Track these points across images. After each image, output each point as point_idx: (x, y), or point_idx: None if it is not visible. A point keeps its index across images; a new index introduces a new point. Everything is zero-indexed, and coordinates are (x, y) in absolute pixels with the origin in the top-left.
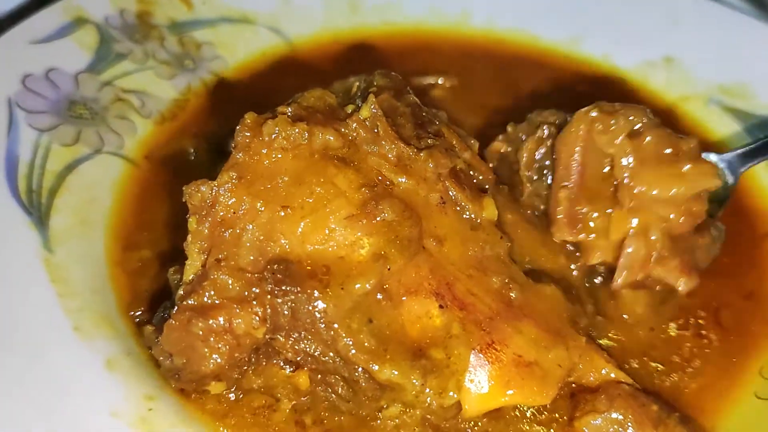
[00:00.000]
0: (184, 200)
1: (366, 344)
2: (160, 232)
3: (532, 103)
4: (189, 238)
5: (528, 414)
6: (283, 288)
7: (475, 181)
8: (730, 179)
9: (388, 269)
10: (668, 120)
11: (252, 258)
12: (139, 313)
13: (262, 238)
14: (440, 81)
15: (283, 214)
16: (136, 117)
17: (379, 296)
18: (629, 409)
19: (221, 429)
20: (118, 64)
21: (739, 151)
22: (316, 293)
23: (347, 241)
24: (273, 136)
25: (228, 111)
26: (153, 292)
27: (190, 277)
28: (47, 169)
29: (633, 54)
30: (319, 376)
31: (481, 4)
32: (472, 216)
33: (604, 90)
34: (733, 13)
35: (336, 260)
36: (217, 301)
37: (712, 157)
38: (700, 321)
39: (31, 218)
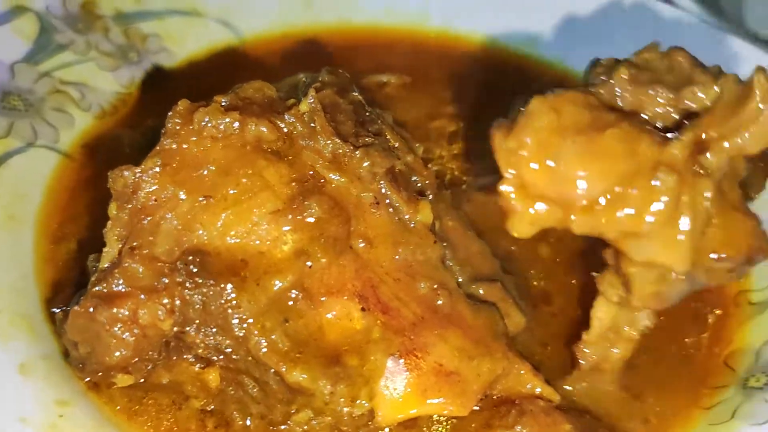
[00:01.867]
0: (108, 186)
1: (279, 345)
2: (89, 225)
3: (486, 102)
4: (108, 224)
5: (445, 424)
6: (195, 280)
7: (419, 185)
8: None
9: (309, 267)
10: None
11: (168, 247)
12: (60, 310)
13: (180, 227)
14: (393, 79)
15: (204, 203)
16: (75, 110)
17: (298, 295)
18: (535, 427)
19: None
20: (59, 54)
21: None
22: (230, 287)
23: (270, 236)
24: (203, 124)
25: (171, 105)
26: (78, 284)
27: (106, 265)
28: None
29: (588, 57)
30: (231, 375)
31: (438, 4)
32: (406, 218)
33: None
34: (690, 18)
35: (256, 255)
36: (124, 290)
37: None
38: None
39: None
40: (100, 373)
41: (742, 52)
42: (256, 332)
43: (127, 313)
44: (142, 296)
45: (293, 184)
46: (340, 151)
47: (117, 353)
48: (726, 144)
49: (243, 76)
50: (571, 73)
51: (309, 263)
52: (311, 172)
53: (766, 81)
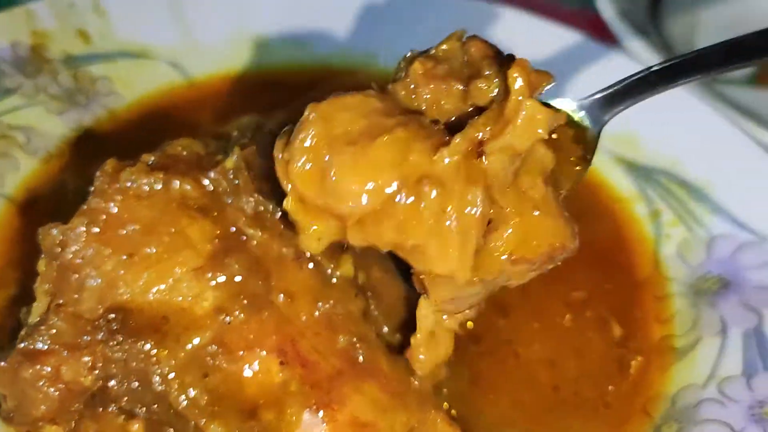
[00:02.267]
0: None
1: (198, 399)
2: (29, 271)
3: None
4: (38, 279)
5: None
6: (116, 337)
7: None
8: (593, 131)
9: (228, 323)
10: None
11: (91, 305)
12: None
13: (104, 285)
14: None
15: (128, 261)
16: (20, 154)
17: (218, 350)
18: None
19: None
20: (6, 98)
21: (599, 95)
22: (151, 344)
23: (191, 293)
24: (129, 183)
25: (118, 149)
26: (14, 332)
27: (36, 320)
28: None
29: None
30: (154, 426)
31: (387, 47)
32: (328, 273)
33: None
34: (629, 63)
35: (177, 311)
36: (48, 347)
37: (566, 103)
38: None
39: None
40: (28, 425)
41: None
42: (176, 387)
43: (50, 369)
44: (65, 353)
45: (216, 240)
46: (262, 208)
47: (42, 407)
48: (498, 144)
49: (191, 117)
50: None
51: (228, 319)
52: (234, 229)
53: (524, 73)
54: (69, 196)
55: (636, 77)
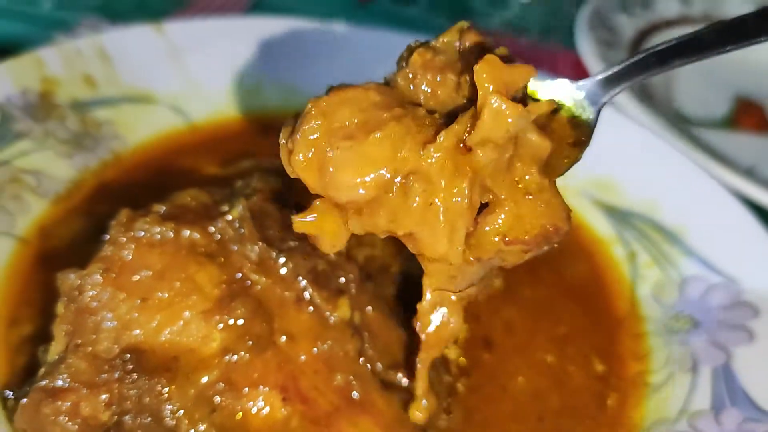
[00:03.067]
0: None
1: None
2: (43, 309)
3: None
4: (56, 320)
5: None
6: (132, 376)
7: (342, 280)
8: (591, 113)
9: (235, 362)
10: None
11: (108, 345)
12: (11, 394)
13: (119, 327)
14: None
15: (141, 305)
16: (31, 196)
17: (224, 388)
18: None
19: None
20: (17, 143)
21: (599, 76)
22: (162, 382)
23: (200, 335)
24: (142, 233)
25: (121, 192)
26: (29, 369)
27: (54, 358)
28: None
29: None
30: None
31: None
32: (326, 314)
33: None
34: (607, 110)
35: (186, 351)
36: (68, 385)
37: (565, 85)
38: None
39: None
40: None
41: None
42: (186, 422)
43: (69, 405)
44: (84, 390)
45: (222, 285)
46: (266, 255)
47: None
48: (475, 138)
49: (192, 160)
50: None
51: (234, 358)
52: (239, 274)
53: (488, 69)
54: (79, 236)
55: (633, 60)
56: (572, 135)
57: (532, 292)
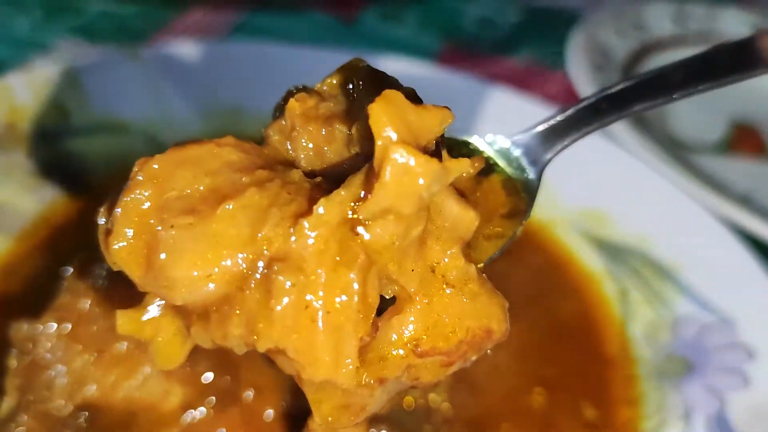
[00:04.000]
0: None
1: None
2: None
3: None
4: (9, 374)
5: None
6: None
7: None
8: (531, 173)
9: (197, 420)
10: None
11: (61, 402)
12: None
13: (73, 382)
14: None
15: (98, 359)
16: None
17: None
18: None
19: None
20: None
21: (539, 128)
22: None
23: (160, 389)
24: (100, 281)
25: (92, 226)
26: None
27: (4, 415)
28: None
29: None
30: None
31: None
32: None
33: None
34: (600, 141)
35: (145, 408)
36: None
37: (498, 140)
38: None
39: None
40: None
41: None
42: None
43: None
44: None
45: None
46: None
47: None
48: (370, 208)
49: None
50: None
51: (197, 415)
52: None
53: (388, 110)
54: (42, 276)
55: (584, 104)
56: (507, 203)
57: (518, 331)
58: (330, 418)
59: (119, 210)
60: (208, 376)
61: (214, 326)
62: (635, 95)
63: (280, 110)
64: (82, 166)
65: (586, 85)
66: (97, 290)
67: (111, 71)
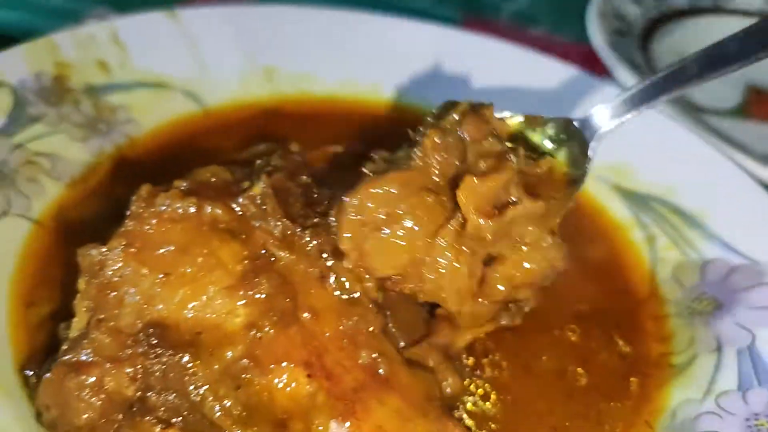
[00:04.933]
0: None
1: (231, 409)
2: (60, 290)
3: None
4: (78, 297)
5: None
6: (156, 351)
7: None
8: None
9: (259, 338)
10: None
11: (131, 320)
12: (32, 373)
13: (142, 302)
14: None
15: (164, 280)
16: (46, 180)
17: (249, 364)
18: None
19: None
20: (31, 126)
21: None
22: (187, 357)
23: (224, 310)
24: (163, 208)
25: (138, 175)
26: (48, 348)
27: (75, 334)
28: None
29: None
30: None
31: (390, 78)
32: (350, 291)
33: None
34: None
35: (210, 327)
36: (92, 359)
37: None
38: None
39: None
40: None
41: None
42: (210, 398)
43: (94, 380)
44: (108, 365)
45: (245, 261)
46: (289, 231)
47: (84, 416)
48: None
49: (206, 144)
50: None
51: (259, 334)
52: (263, 250)
53: (466, 193)
54: (94, 220)
55: (647, 83)
56: (565, 176)
57: None
58: (469, 325)
59: (343, 225)
60: (270, 298)
61: (395, 284)
62: (700, 65)
63: (418, 146)
64: (125, 117)
65: (607, 51)
66: (160, 217)
67: (149, 30)
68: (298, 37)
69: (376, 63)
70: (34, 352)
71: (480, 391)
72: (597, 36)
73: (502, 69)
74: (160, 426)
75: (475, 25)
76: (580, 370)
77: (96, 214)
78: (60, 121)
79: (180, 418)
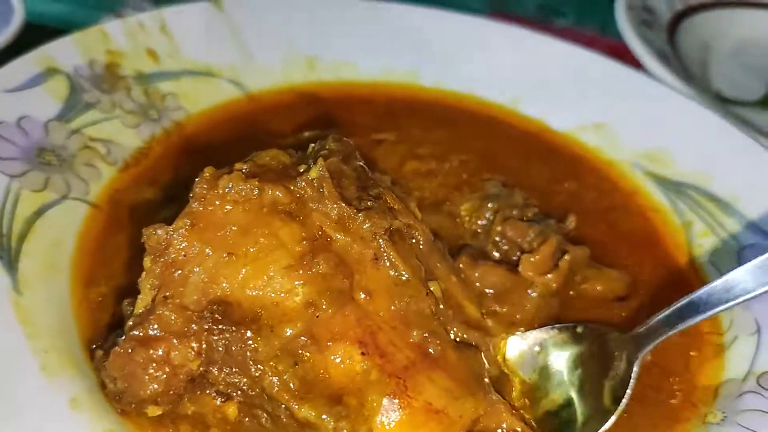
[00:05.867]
0: (142, 241)
1: (289, 384)
2: (118, 270)
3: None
4: (143, 275)
5: None
6: (219, 327)
7: (413, 240)
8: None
9: (317, 317)
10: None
11: (195, 297)
12: (98, 348)
13: (206, 280)
14: (390, 137)
15: (227, 259)
16: (102, 164)
17: (307, 341)
18: None
19: None
20: (87, 113)
21: (633, 332)
22: (249, 334)
23: (283, 289)
24: (227, 189)
25: (187, 159)
26: (111, 324)
27: (140, 311)
28: (17, 214)
29: (566, 118)
30: (247, 408)
31: (429, 66)
32: (402, 273)
33: (542, 151)
34: (657, 86)
35: (271, 305)
36: (159, 334)
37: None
38: None
39: (2, 262)
40: (134, 405)
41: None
42: (269, 373)
43: (161, 354)
44: (174, 340)
45: (304, 242)
46: (345, 213)
47: (150, 388)
48: None
49: (251, 130)
50: (548, 130)
51: (317, 313)
52: (320, 232)
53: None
54: (146, 202)
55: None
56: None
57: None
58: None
59: None
60: (327, 278)
61: None
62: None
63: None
64: (174, 105)
65: (636, 42)
66: (223, 199)
67: (195, 19)
68: (338, 25)
69: (417, 52)
70: (97, 328)
71: None
72: (626, 28)
73: (534, 59)
74: (220, 399)
75: (502, 17)
76: None
77: (146, 197)
78: (113, 107)
79: (239, 392)
